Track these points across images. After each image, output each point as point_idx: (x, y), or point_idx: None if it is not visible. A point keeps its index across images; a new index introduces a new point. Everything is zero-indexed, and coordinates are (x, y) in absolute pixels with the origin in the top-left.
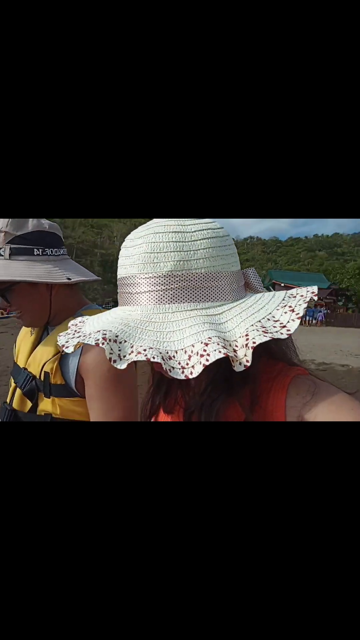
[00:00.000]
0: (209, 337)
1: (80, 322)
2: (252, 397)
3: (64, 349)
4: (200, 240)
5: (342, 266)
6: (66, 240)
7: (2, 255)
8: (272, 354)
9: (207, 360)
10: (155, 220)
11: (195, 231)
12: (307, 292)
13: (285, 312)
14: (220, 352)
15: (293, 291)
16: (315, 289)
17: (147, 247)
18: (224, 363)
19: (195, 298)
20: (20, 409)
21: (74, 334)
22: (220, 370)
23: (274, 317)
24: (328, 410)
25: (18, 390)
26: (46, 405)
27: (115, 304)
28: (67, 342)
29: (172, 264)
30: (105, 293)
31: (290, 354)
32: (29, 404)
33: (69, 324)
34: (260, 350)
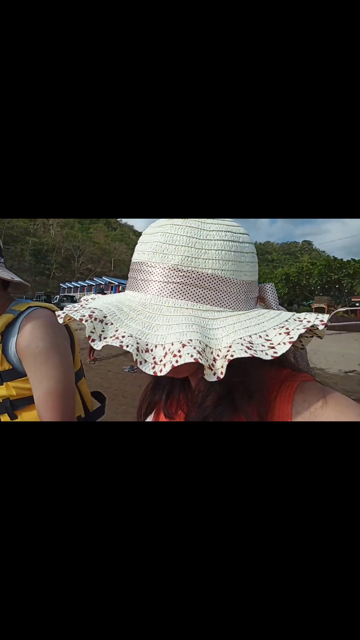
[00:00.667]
0: (190, 339)
1: (91, 298)
2: (259, 412)
3: (60, 319)
4: (215, 240)
5: (271, 271)
6: None
7: None
8: (278, 360)
9: (177, 362)
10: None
11: (212, 231)
12: (314, 319)
13: (280, 334)
14: (192, 356)
15: (302, 315)
16: (325, 317)
17: (161, 237)
18: (232, 375)
19: (195, 297)
20: None
21: (77, 309)
22: (226, 383)
23: (267, 335)
24: (335, 417)
25: None
26: (1, 391)
27: (47, 298)
28: (63, 312)
29: (180, 257)
30: (36, 285)
31: (295, 360)
32: None
33: (82, 299)
34: (268, 361)
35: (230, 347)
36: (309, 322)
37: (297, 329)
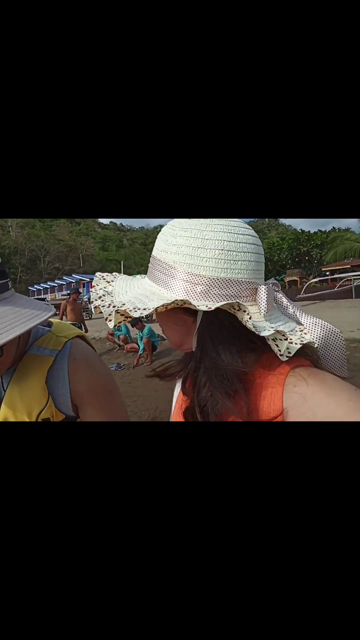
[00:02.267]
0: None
1: (108, 288)
2: (244, 399)
3: (102, 307)
4: (180, 237)
5: None
6: None
7: None
8: (269, 347)
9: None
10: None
11: (183, 223)
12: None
13: (152, 300)
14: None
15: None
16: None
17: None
18: (216, 358)
19: (154, 278)
20: None
21: (109, 304)
22: (210, 366)
23: (145, 305)
24: (326, 402)
25: None
26: None
27: None
28: (107, 309)
29: (156, 250)
30: None
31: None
32: None
33: (98, 282)
34: (261, 346)
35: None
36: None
37: (152, 302)
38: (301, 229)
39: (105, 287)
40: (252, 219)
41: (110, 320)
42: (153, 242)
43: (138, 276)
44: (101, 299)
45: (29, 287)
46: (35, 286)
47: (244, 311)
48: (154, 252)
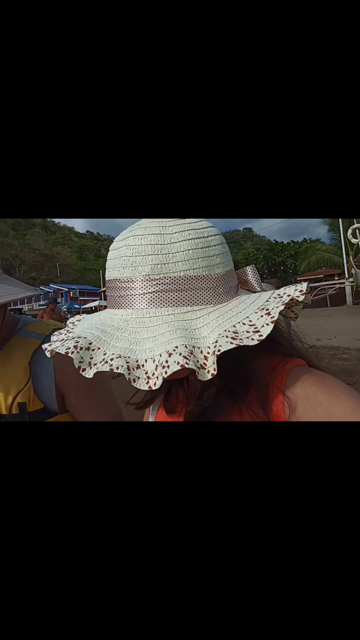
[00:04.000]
0: (175, 347)
1: (77, 320)
2: (260, 401)
3: (47, 352)
4: (180, 242)
5: None
6: None
7: None
8: (268, 348)
9: (167, 372)
10: (139, 221)
11: (175, 232)
12: (292, 292)
13: (262, 316)
14: (178, 363)
15: (281, 290)
16: (304, 286)
17: (127, 251)
18: (227, 367)
19: (173, 302)
20: None
21: (63, 339)
22: (223, 375)
23: (250, 321)
24: (327, 402)
25: None
26: None
27: None
28: (49, 345)
29: (150, 267)
30: None
31: (287, 345)
32: None
33: (68, 323)
34: (260, 350)
35: (216, 342)
36: (288, 295)
37: (277, 307)
38: (275, 240)
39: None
40: (228, 230)
41: (209, 372)
42: None
43: (93, 315)
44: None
45: None
46: None
47: (297, 304)
48: (134, 273)
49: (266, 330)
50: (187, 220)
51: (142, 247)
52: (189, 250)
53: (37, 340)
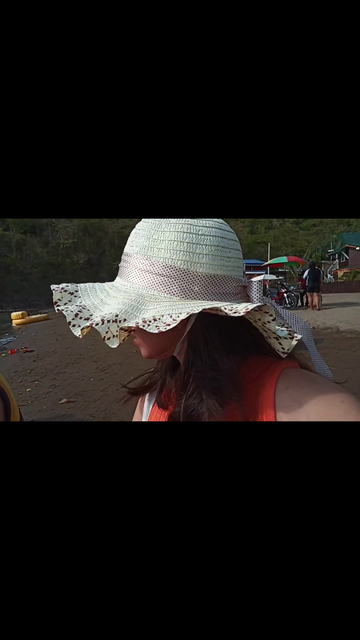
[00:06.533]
0: (115, 314)
1: (74, 291)
2: (250, 401)
3: (64, 312)
4: (169, 231)
5: None
6: None
7: None
8: (260, 348)
9: (84, 327)
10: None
11: (171, 224)
12: (227, 307)
13: (171, 317)
14: (88, 321)
15: (236, 305)
16: (239, 307)
17: (133, 232)
18: (210, 363)
19: (151, 284)
20: None
21: (78, 313)
22: (205, 371)
23: (170, 316)
24: (321, 406)
25: None
26: None
27: None
28: (73, 319)
29: (139, 248)
30: None
31: (269, 348)
32: None
33: (60, 287)
34: (248, 349)
35: (117, 316)
36: (229, 309)
37: (180, 314)
38: None
39: (74, 301)
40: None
41: (109, 339)
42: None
43: (94, 284)
44: (81, 313)
45: None
46: None
47: (266, 312)
48: (131, 250)
49: (162, 328)
50: (199, 219)
51: (141, 230)
52: (174, 241)
53: None
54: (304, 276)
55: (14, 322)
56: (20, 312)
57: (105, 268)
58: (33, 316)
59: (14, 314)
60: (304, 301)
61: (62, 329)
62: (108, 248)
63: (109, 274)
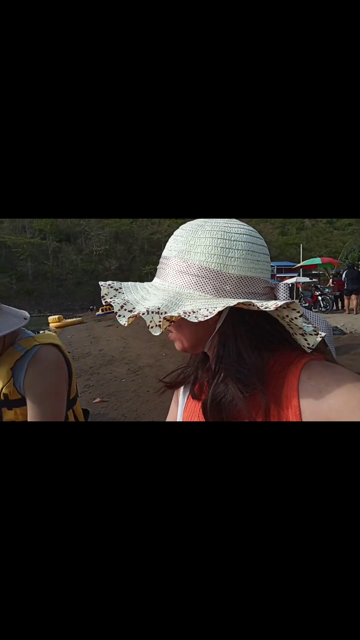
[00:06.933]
0: (157, 306)
1: (118, 288)
2: (274, 392)
3: (112, 304)
4: (204, 237)
5: None
6: None
7: None
8: (286, 345)
9: (132, 316)
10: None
11: (207, 230)
12: (259, 304)
13: (207, 309)
14: (133, 312)
15: (262, 302)
16: (269, 304)
17: (172, 236)
18: (238, 356)
19: (185, 283)
20: None
21: (123, 305)
22: (233, 364)
23: (206, 309)
24: (341, 395)
25: None
26: (9, 415)
27: None
28: (119, 310)
29: (176, 252)
30: None
31: (294, 343)
32: None
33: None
34: (275, 344)
35: (159, 308)
36: (260, 304)
37: (224, 306)
38: None
39: (119, 296)
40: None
41: (152, 327)
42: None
43: (136, 283)
44: (126, 306)
45: None
46: None
47: (294, 309)
48: (169, 253)
49: (196, 318)
50: (231, 221)
51: (179, 237)
52: (209, 246)
53: (19, 353)
54: (342, 278)
55: (51, 325)
56: (56, 316)
57: (135, 274)
58: (69, 320)
59: (50, 318)
60: (340, 304)
61: (95, 332)
62: (138, 254)
63: (140, 279)
